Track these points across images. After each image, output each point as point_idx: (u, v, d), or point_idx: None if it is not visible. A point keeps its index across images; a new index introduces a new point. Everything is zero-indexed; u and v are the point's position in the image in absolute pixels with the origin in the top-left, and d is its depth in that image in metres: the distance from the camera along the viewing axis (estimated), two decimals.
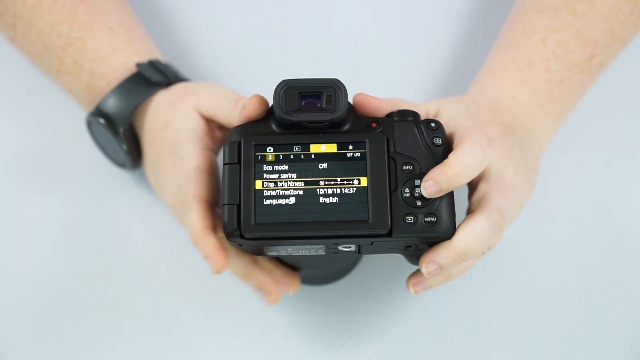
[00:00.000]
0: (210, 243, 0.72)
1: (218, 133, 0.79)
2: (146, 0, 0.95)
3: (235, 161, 0.68)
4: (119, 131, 0.82)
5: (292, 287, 0.77)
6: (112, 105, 0.82)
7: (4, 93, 0.93)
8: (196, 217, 0.73)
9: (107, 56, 0.84)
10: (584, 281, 0.85)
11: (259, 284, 0.76)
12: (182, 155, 0.76)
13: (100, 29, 0.84)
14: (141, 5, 0.94)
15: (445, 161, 0.68)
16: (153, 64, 0.84)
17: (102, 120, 0.82)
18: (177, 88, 0.82)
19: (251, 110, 0.70)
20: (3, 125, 0.92)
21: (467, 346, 0.83)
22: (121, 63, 0.84)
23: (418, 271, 0.72)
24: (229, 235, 0.68)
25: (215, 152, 0.79)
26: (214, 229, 0.73)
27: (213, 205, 0.75)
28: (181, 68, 0.91)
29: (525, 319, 0.84)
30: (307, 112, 0.69)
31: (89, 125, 0.85)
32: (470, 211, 0.72)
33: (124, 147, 0.83)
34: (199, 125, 0.77)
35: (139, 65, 0.83)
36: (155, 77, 0.82)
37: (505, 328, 0.83)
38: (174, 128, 0.78)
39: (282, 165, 0.68)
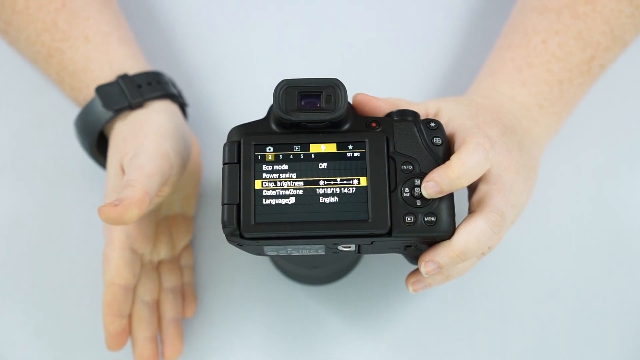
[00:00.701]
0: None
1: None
2: (147, 0, 0.96)
3: (235, 161, 0.68)
4: (87, 149, 0.83)
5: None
6: (79, 129, 0.83)
7: (3, 92, 0.93)
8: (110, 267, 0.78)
9: (80, 70, 0.83)
10: (584, 281, 0.85)
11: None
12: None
13: (77, 39, 0.84)
14: (141, 4, 0.95)
15: (448, 163, 0.67)
16: (118, 83, 0.82)
17: (79, 138, 0.83)
18: (134, 124, 0.80)
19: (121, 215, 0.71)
20: (2, 124, 0.92)
21: (467, 345, 0.83)
22: (93, 77, 0.83)
23: (417, 270, 0.71)
24: (228, 235, 0.67)
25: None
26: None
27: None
28: (181, 68, 0.91)
29: (526, 318, 0.84)
30: (306, 112, 0.69)
31: None
32: (470, 212, 0.71)
33: (99, 162, 0.84)
34: (115, 185, 0.77)
35: (98, 89, 0.81)
36: (114, 101, 0.81)
37: (505, 328, 0.83)
38: (108, 171, 0.78)
39: (281, 165, 0.68)
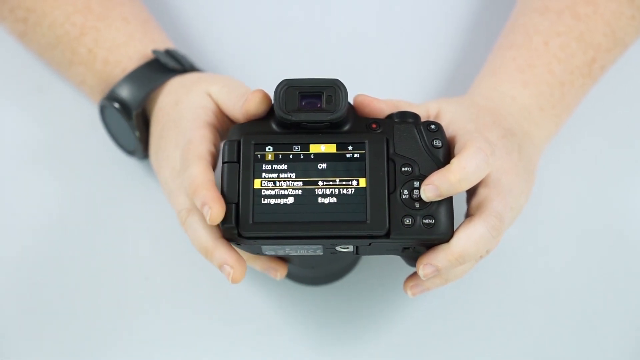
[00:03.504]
0: (210, 191, 0.68)
1: (227, 122, 0.77)
2: (147, 0, 0.96)
3: (235, 160, 0.68)
4: (132, 115, 0.82)
5: (279, 271, 0.76)
6: (127, 89, 0.82)
7: (10, 89, 0.93)
8: (198, 169, 0.69)
9: (122, 44, 0.84)
10: (584, 281, 0.85)
11: (262, 266, 0.75)
12: (186, 127, 0.74)
13: (115, 19, 0.85)
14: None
15: (448, 166, 0.67)
16: (169, 53, 0.84)
17: (116, 105, 0.82)
18: (194, 74, 0.82)
19: (252, 104, 0.70)
20: (10, 119, 0.92)
21: (466, 347, 0.83)
22: (137, 50, 0.84)
23: (415, 273, 0.71)
24: (226, 234, 0.68)
25: (221, 135, 0.76)
26: (214, 183, 0.70)
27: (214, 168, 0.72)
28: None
29: (525, 319, 0.84)
30: (307, 112, 0.69)
31: (102, 109, 0.85)
32: (468, 215, 0.71)
33: (137, 133, 0.83)
34: (209, 105, 0.76)
35: (155, 51, 0.83)
36: (171, 64, 0.83)
37: (504, 328, 0.83)
38: (183, 105, 0.77)
39: (281, 164, 0.68)
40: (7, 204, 0.89)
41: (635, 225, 0.87)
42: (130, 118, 0.82)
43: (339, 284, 0.85)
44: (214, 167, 0.73)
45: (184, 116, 0.76)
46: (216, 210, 0.67)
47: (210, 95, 0.76)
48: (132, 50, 0.84)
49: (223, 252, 0.69)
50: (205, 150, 0.71)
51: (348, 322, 0.84)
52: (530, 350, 0.83)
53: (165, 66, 0.83)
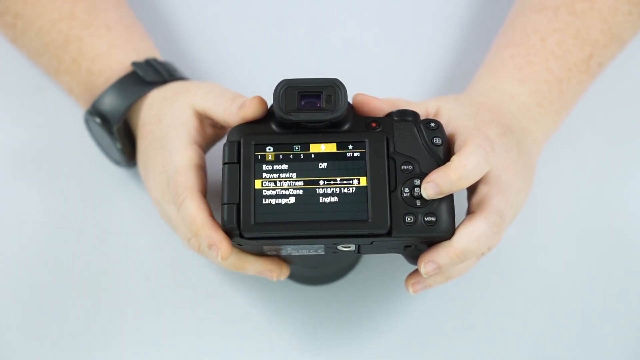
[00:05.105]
0: (214, 231, 0.69)
1: (209, 130, 0.78)
2: (147, 1, 0.96)
3: (235, 161, 0.68)
4: (113, 130, 0.82)
5: (283, 271, 0.76)
6: (107, 103, 0.82)
7: (5, 91, 0.93)
8: (194, 207, 0.71)
9: (104, 54, 0.84)
10: (584, 281, 0.85)
11: (257, 270, 0.75)
12: (171, 149, 0.75)
13: (99, 27, 0.85)
14: (141, 4, 0.94)
15: (448, 164, 0.67)
16: (149, 63, 0.84)
17: (97, 119, 0.82)
18: (174, 85, 0.82)
19: (250, 110, 0.70)
20: (3, 122, 0.92)
21: (467, 346, 0.83)
22: (118, 61, 0.84)
23: (417, 270, 0.71)
24: (228, 235, 0.68)
25: (204, 150, 0.78)
26: (212, 218, 0.71)
27: (205, 197, 0.73)
28: (180, 68, 0.91)
29: (526, 318, 0.84)
30: (306, 112, 0.69)
31: (86, 122, 0.85)
32: (469, 212, 0.72)
33: (118, 145, 0.83)
34: (191, 121, 0.76)
35: (134, 64, 0.83)
36: (150, 76, 0.82)
37: (504, 328, 0.83)
38: (166, 122, 0.77)
39: (281, 164, 0.68)
40: (8, 204, 0.89)
41: (635, 225, 0.87)
42: (111, 132, 0.82)
43: (340, 284, 0.85)
44: (204, 189, 0.73)
45: (167, 135, 0.76)
46: (224, 249, 0.69)
47: (194, 108, 0.77)
48: (113, 60, 0.84)
49: (257, 260, 0.73)
50: (194, 178, 0.72)
51: (348, 322, 0.84)
52: (530, 349, 0.83)
53: (143, 79, 0.82)
